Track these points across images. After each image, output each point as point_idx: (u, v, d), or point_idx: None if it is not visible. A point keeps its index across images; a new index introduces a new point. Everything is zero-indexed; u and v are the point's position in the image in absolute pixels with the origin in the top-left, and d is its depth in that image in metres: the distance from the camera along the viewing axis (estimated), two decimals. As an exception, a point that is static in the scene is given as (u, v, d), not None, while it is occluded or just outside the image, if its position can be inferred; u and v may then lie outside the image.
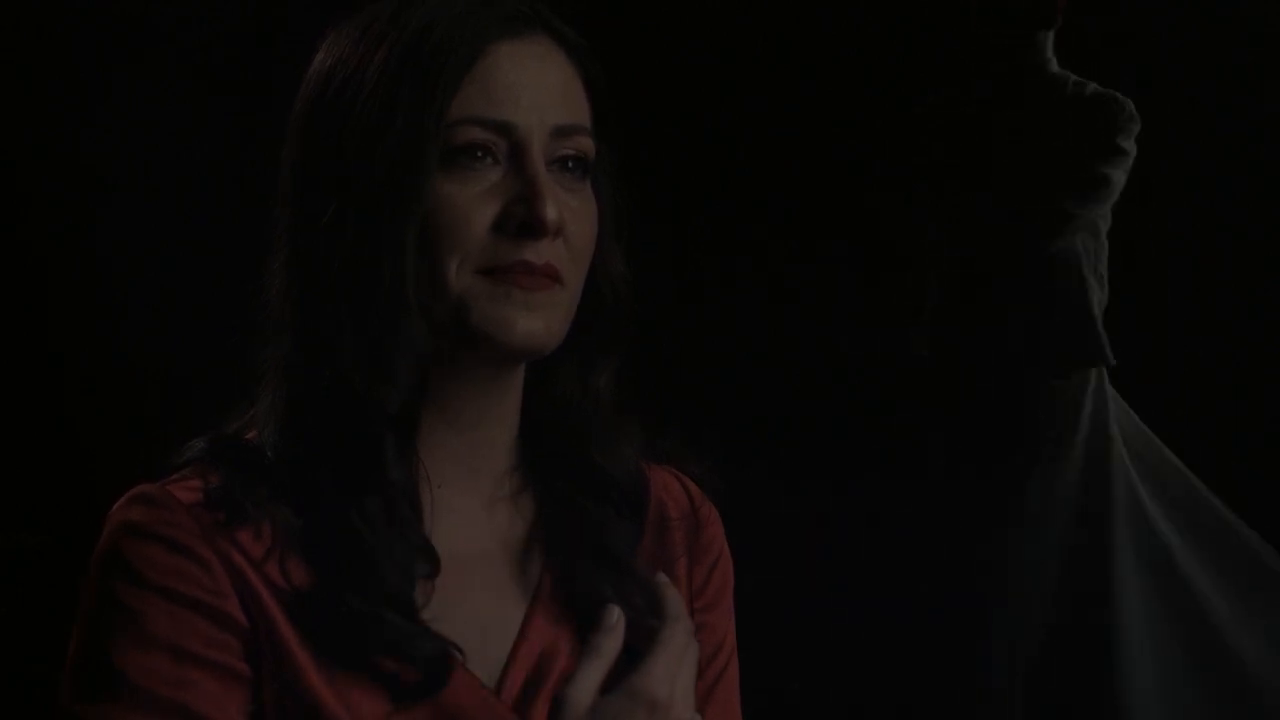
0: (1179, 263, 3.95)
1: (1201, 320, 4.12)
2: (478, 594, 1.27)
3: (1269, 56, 4.17)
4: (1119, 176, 3.68)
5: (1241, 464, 4.06)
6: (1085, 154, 3.69)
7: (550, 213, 1.22)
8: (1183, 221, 4.13)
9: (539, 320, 1.23)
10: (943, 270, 3.84)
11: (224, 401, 1.30)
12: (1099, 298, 3.75)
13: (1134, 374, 3.83)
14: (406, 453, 1.23)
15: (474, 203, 1.22)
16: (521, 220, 1.22)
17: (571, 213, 1.24)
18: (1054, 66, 3.79)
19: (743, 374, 4.28)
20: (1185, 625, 3.73)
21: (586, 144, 1.27)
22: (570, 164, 1.26)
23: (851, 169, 4.19)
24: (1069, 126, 3.73)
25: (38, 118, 3.78)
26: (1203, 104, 4.14)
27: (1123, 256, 3.80)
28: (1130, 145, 3.69)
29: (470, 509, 1.29)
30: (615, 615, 1.24)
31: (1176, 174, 4.11)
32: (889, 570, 3.84)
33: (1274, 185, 4.16)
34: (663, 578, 1.29)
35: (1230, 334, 4.08)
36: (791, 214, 4.37)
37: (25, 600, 3.59)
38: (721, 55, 4.33)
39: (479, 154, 1.23)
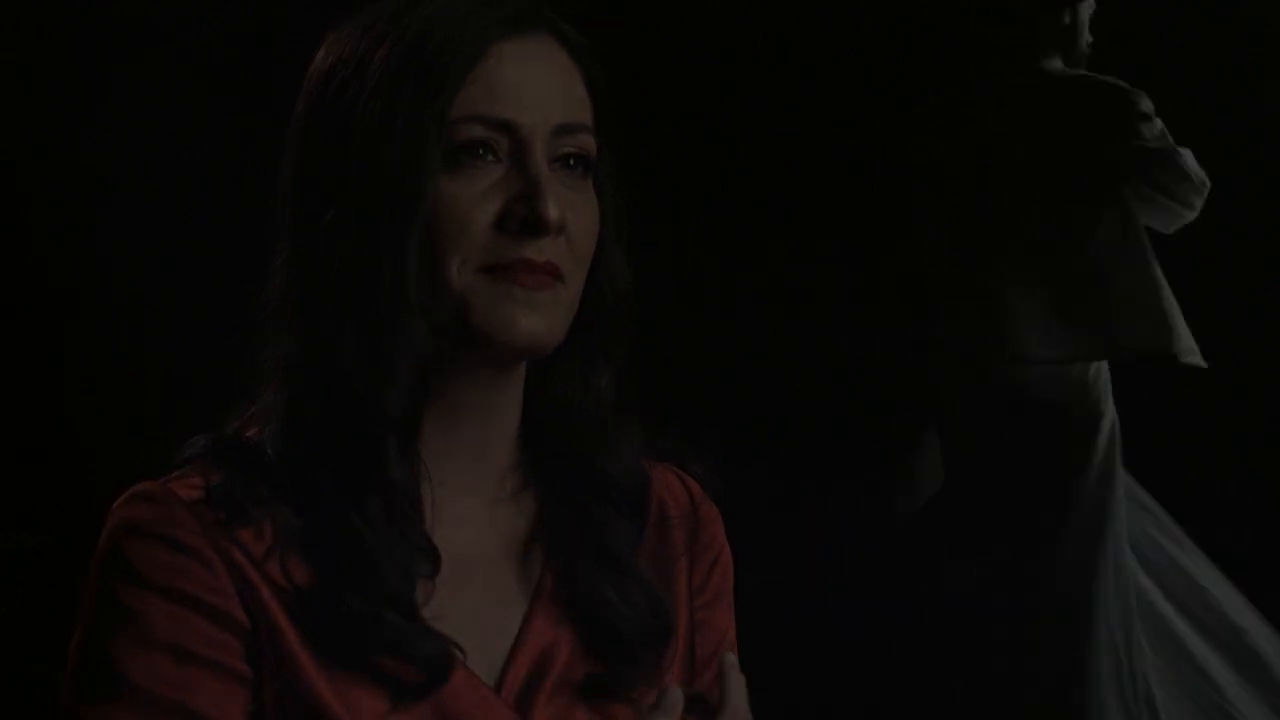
0: (1179, 263, 3.95)
1: (1201, 320, 4.12)
2: (478, 593, 1.27)
3: (1269, 56, 4.17)
4: (1129, 163, 3.66)
5: (1241, 464, 4.06)
6: (1091, 142, 3.69)
7: (552, 211, 1.22)
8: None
9: (540, 319, 1.23)
10: (943, 270, 3.84)
11: (224, 401, 1.30)
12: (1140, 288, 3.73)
13: (1134, 374, 3.83)
14: (408, 453, 1.23)
15: (476, 201, 1.22)
16: (523, 218, 1.22)
17: (573, 211, 1.24)
18: (1059, 64, 3.80)
19: (743, 374, 4.27)
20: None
21: (588, 142, 1.27)
22: (572, 162, 1.26)
23: (851, 169, 4.19)
24: (1075, 119, 3.73)
25: (38, 118, 3.78)
26: (1203, 104, 4.14)
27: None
28: (1145, 130, 3.67)
29: (471, 508, 1.29)
30: (675, 697, 1.21)
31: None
32: (889, 570, 3.84)
33: (1274, 185, 4.16)
34: (731, 659, 1.26)
35: (1230, 334, 4.08)
36: (791, 214, 4.37)
37: (25, 600, 3.59)
38: (721, 55, 4.33)
39: (480, 152, 1.23)
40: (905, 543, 3.84)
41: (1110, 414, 3.75)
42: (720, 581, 1.39)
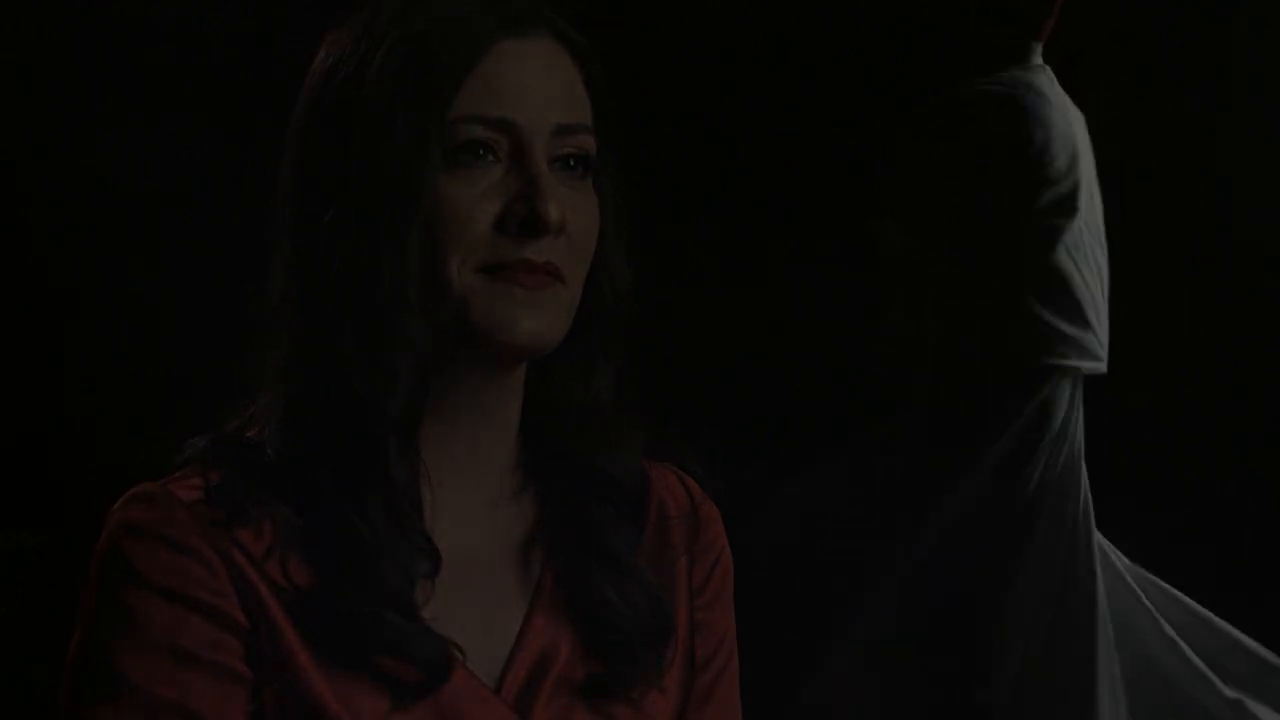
0: (1179, 263, 3.96)
1: (1201, 320, 4.12)
2: (478, 593, 1.27)
3: (1269, 56, 4.18)
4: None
5: (1241, 464, 4.06)
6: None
7: (552, 211, 1.22)
8: (1182, 221, 4.13)
9: (541, 319, 1.23)
10: (940, 271, 3.83)
11: (224, 401, 1.30)
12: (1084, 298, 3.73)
13: (1134, 375, 3.83)
14: (408, 453, 1.23)
15: (476, 201, 1.22)
16: (523, 218, 1.22)
17: (573, 210, 1.24)
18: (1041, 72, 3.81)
19: (743, 374, 4.28)
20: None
21: (588, 142, 1.27)
22: (572, 162, 1.26)
23: (851, 169, 4.19)
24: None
25: (38, 118, 3.79)
26: (1203, 104, 4.14)
27: (1123, 257, 3.80)
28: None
29: (471, 508, 1.29)
30: None
31: (1177, 174, 4.11)
32: (888, 569, 3.83)
33: (1274, 186, 4.16)
34: None
35: (1230, 334, 4.09)
36: (791, 214, 4.37)
37: (25, 600, 3.59)
38: (721, 55, 4.34)
39: (480, 152, 1.23)
40: (904, 542, 3.84)
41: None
42: (720, 582, 1.39)
